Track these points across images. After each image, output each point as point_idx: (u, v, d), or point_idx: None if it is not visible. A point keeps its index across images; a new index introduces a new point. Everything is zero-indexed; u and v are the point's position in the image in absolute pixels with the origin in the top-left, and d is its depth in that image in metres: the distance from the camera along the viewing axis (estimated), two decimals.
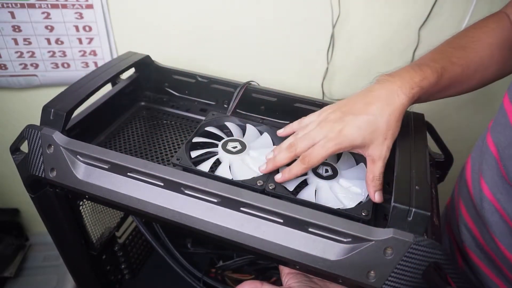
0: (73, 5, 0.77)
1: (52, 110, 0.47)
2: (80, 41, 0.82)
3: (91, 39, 0.82)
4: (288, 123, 0.60)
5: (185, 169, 0.47)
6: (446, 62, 0.46)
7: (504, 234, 0.44)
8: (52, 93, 0.50)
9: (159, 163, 0.48)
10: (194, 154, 0.51)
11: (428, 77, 0.44)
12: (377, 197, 0.43)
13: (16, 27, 0.79)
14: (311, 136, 0.44)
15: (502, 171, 0.44)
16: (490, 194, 0.46)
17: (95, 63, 0.86)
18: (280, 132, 0.52)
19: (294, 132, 0.49)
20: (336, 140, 0.43)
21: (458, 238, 0.54)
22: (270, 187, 0.45)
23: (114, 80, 0.59)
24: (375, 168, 0.43)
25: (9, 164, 0.51)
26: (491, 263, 0.48)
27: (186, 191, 0.41)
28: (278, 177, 0.45)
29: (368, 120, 0.42)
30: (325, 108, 0.48)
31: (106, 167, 0.44)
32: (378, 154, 0.43)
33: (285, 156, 0.46)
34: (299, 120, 0.51)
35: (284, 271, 0.47)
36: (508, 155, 0.43)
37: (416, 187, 0.38)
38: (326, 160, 0.52)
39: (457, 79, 0.47)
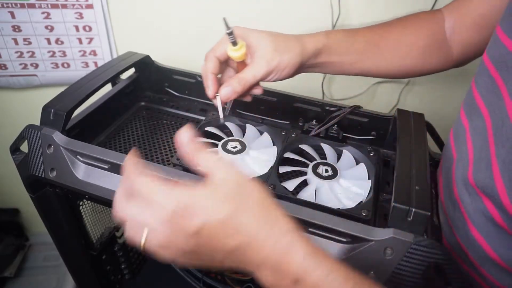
0: (73, 5, 0.77)
1: (52, 110, 0.47)
2: (80, 41, 0.82)
3: (91, 39, 0.82)
4: (288, 123, 0.60)
5: (185, 169, 0.47)
6: (361, 31, 0.52)
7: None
8: (52, 93, 0.50)
9: (159, 163, 0.48)
10: None
11: (334, 32, 0.49)
12: (223, 94, 0.43)
13: (16, 27, 0.79)
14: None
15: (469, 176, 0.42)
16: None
17: (95, 63, 0.86)
18: None
19: None
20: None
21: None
22: (270, 187, 0.45)
23: (114, 80, 0.59)
24: (250, 69, 0.44)
25: (9, 164, 0.51)
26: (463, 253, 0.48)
27: None
28: None
29: (269, 33, 0.46)
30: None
31: (106, 167, 0.44)
32: (260, 58, 0.45)
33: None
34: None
35: None
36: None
37: (416, 187, 0.38)
38: (326, 160, 0.52)
39: (371, 51, 0.51)
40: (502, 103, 0.38)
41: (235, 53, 0.42)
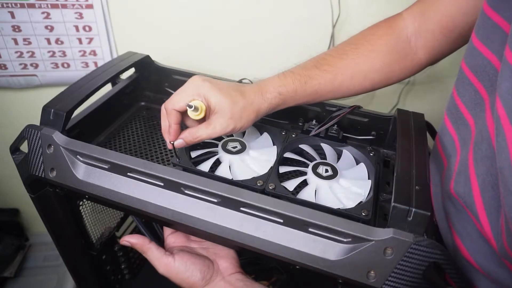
0: (73, 5, 0.77)
1: (52, 110, 0.47)
2: (80, 41, 0.82)
3: (91, 39, 0.82)
4: (288, 123, 0.60)
5: (185, 169, 0.48)
6: (316, 70, 0.50)
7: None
8: (52, 93, 0.50)
9: (159, 163, 0.48)
10: (194, 154, 0.51)
11: (286, 84, 0.49)
12: (176, 143, 0.47)
13: (16, 27, 0.79)
14: None
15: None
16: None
17: (95, 63, 0.86)
18: None
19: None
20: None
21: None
22: (270, 187, 0.45)
23: (114, 80, 0.59)
24: (205, 129, 0.46)
25: (9, 164, 0.51)
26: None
27: (186, 191, 0.41)
28: None
29: (229, 95, 0.46)
30: None
31: (106, 167, 0.44)
32: (216, 122, 0.46)
33: None
34: None
35: (166, 232, 0.51)
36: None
37: (416, 187, 0.38)
38: (326, 160, 0.52)
39: (328, 85, 0.51)
40: (484, 115, 0.37)
41: (195, 117, 0.47)
